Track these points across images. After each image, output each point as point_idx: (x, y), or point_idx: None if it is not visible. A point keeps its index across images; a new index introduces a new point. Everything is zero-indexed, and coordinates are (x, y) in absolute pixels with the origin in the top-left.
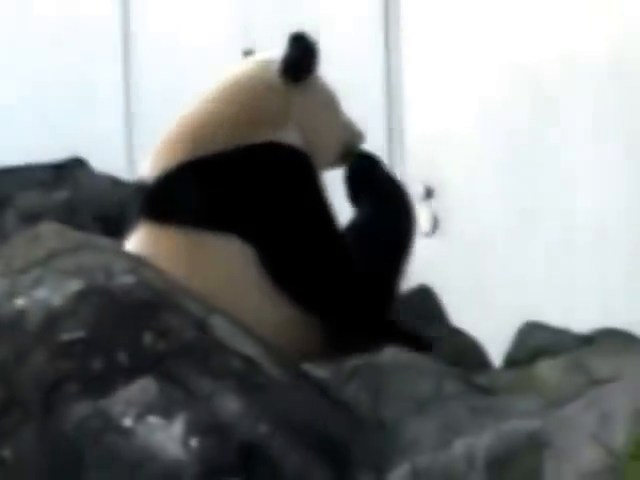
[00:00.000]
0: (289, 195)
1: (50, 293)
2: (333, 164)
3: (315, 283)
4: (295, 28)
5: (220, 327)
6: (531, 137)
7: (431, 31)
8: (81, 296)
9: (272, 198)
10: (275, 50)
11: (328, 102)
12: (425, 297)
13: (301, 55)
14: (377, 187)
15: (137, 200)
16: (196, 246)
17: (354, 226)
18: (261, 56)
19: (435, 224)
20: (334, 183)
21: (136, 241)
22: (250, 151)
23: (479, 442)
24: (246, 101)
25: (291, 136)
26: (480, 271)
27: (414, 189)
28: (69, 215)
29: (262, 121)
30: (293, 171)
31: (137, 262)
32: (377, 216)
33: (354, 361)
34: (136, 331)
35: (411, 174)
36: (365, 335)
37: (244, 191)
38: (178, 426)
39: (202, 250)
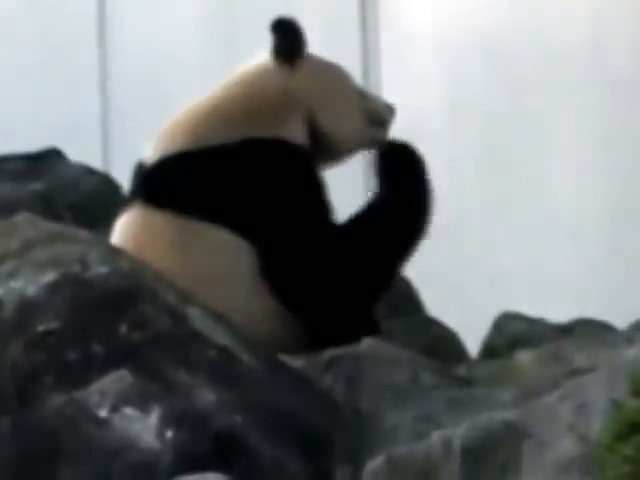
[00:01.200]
0: (285, 192)
1: (25, 284)
2: (363, 142)
3: (303, 289)
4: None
5: (197, 317)
6: (508, 127)
7: (408, 18)
8: (56, 286)
9: (268, 194)
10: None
11: (333, 77)
12: (402, 288)
13: (287, 37)
14: (404, 179)
15: (134, 181)
16: (187, 233)
17: (369, 208)
18: (265, 55)
19: None
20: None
21: (128, 221)
22: (250, 146)
23: (456, 432)
24: (248, 96)
25: (294, 131)
26: (457, 261)
27: None
28: (44, 206)
29: (264, 115)
30: (291, 168)
31: (113, 252)
32: (394, 208)
33: (331, 352)
34: (111, 321)
35: None
36: (348, 336)
37: (241, 185)
38: (153, 417)
39: (193, 238)
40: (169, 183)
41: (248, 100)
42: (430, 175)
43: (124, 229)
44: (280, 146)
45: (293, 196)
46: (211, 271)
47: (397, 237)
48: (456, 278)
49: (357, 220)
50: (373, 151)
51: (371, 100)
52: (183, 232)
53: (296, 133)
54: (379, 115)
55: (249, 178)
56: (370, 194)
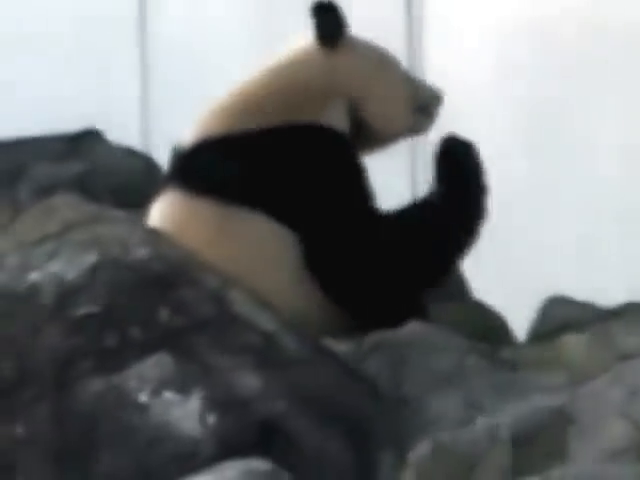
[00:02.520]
0: (326, 179)
1: (64, 267)
2: (407, 129)
3: (346, 276)
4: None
5: (238, 302)
6: (555, 105)
7: None
8: (96, 270)
9: (309, 181)
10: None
11: (376, 61)
12: None
13: (327, 19)
14: (459, 174)
15: (171, 165)
16: (226, 221)
17: (420, 204)
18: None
19: None
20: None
21: (164, 207)
22: (290, 131)
23: (503, 418)
24: (289, 80)
25: (335, 116)
26: (502, 242)
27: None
28: (84, 187)
29: (304, 100)
30: (332, 155)
31: (153, 235)
32: (445, 204)
33: (375, 336)
34: (151, 305)
35: (430, 133)
36: (392, 322)
37: (280, 171)
38: (195, 402)
39: (232, 226)
40: (207, 168)
41: (288, 84)
42: (487, 177)
43: (160, 215)
44: (320, 132)
45: (334, 183)
46: (252, 259)
47: (445, 231)
48: (503, 260)
49: (406, 210)
50: (436, 147)
51: (418, 85)
52: (222, 219)
53: (336, 119)
54: (425, 101)
55: (289, 165)
56: (424, 189)
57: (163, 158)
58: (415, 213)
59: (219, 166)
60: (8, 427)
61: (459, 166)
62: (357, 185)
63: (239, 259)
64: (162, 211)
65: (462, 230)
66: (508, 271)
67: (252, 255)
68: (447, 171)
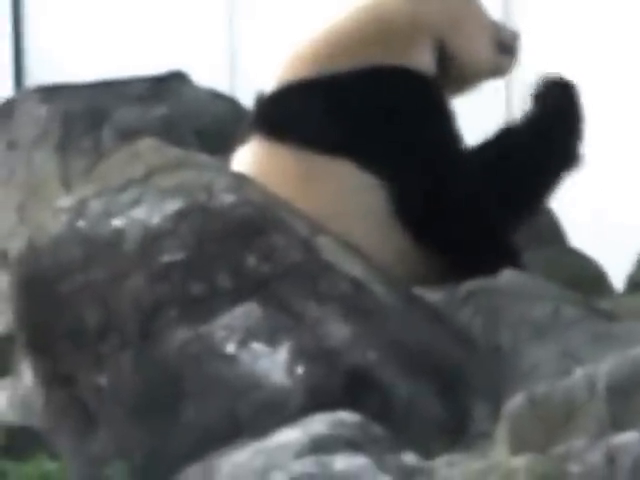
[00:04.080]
0: (414, 123)
1: (149, 213)
2: (493, 69)
3: (439, 222)
4: None
5: (328, 248)
6: None
7: None
8: (181, 216)
9: (396, 125)
10: None
11: (462, 2)
12: (544, 218)
13: None
14: (554, 109)
15: (254, 111)
16: (311, 169)
17: (516, 129)
18: None
19: None
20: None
21: (246, 154)
22: (375, 74)
23: (600, 369)
24: (375, 22)
25: (421, 58)
26: (600, 190)
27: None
28: (169, 131)
29: (391, 42)
30: (419, 98)
31: (240, 180)
32: (542, 134)
33: (469, 285)
34: (239, 252)
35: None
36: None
37: (366, 116)
38: (283, 352)
39: (317, 173)
40: (290, 114)
41: (374, 27)
42: (583, 113)
43: (243, 163)
44: (407, 74)
45: (423, 127)
46: (338, 209)
47: (540, 168)
48: (600, 209)
49: (497, 146)
50: (531, 88)
51: (498, 26)
52: (306, 167)
53: (423, 60)
54: (507, 42)
55: (375, 109)
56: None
57: (249, 101)
58: (505, 147)
59: (303, 112)
60: (92, 377)
61: (549, 104)
62: (446, 129)
63: (324, 209)
64: (245, 159)
65: (554, 161)
66: (606, 220)
67: (338, 204)
68: (535, 108)
